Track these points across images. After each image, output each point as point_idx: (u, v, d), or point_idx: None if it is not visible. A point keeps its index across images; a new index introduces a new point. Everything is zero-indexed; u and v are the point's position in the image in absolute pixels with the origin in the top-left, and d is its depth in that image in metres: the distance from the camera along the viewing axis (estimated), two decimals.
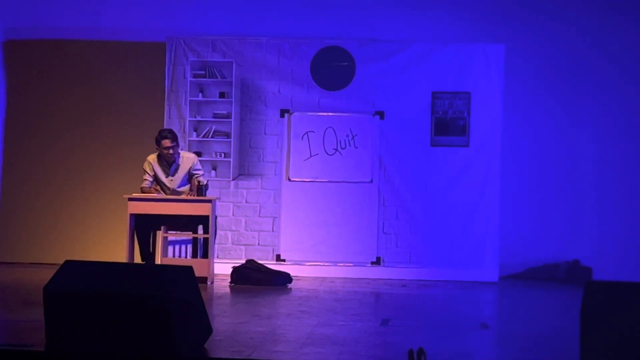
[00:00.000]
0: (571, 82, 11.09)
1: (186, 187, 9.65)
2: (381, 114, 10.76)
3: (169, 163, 9.65)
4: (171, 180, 9.64)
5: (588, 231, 10.99)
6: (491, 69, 10.69)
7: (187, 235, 9.78)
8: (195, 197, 9.44)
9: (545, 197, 11.11)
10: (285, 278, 9.74)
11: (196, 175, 9.60)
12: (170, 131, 9.68)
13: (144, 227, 9.48)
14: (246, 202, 10.81)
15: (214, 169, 10.78)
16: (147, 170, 9.66)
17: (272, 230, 10.79)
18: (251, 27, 11.09)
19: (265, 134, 10.87)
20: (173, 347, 5.28)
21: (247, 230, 10.80)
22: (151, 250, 9.64)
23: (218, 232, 10.10)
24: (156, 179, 9.66)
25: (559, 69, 11.09)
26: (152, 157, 9.73)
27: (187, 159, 9.69)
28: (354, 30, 11.01)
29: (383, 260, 10.70)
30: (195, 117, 10.80)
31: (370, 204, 10.72)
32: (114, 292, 5.41)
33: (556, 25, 11.06)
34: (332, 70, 10.82)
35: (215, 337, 6.00)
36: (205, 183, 9.53)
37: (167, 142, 9.51)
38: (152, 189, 9.60)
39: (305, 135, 10.80)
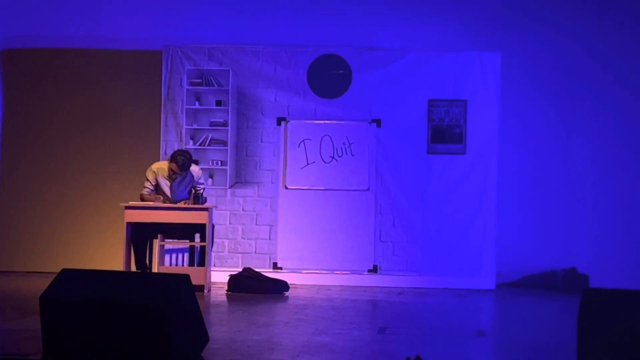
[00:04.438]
0: (567, 89, 11.11)
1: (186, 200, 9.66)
2: (378, 122, 10.77)
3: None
4: (174, 191, 9.64)
5: (585, 239, 11.00)
6: (487, 77, 10.70)
7: (184, 244, 9.77)
8: (192, 206, 9.43)
9: (542, 205, 11.12)
10: (282, 286, 9.74)
11: (197, 189, 9.58)
12: (184, 159, 9.47)
13: (141, 236, 9.48)
14: (243, 210, 10.81)
15: (211, 177, 10.77)
16: (150, 179, 9.65)
17: (269, 239, 10.79)
18: (247, 35, 11.11)
19: (261, 142, 10.88)
20: (170, 355, 5.27)
21: (244, 239, 10.80)
22: (148, 259, 9.62)
23: (215, 240, 10.10)
24: (157, 188, 9.66)
25: (555, 77, 11.11)
26: (157, 166, 9.71)
27: (192, 172, 9.69)
28: (350, 38, 11.03)
29: (380, 268, 10.70)
30: (191, 125, 10.80)
31: (367, 212, 10.72)
32: (111, 300, 5.40)
33: (552, 34, 11.08)
34: (328, 78, 10.83)
35: (213, 346, 5.99)
36: (201, 192, 9.52)
37: (174, 167, 9.49)
38: (152, 197, 9.59)
39: (302, 143, 10.81)
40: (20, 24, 11.28)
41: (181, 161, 9.46)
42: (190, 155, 9.67)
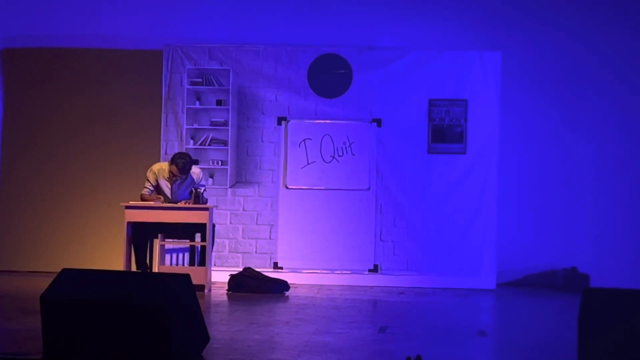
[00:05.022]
0: (568, 89, 11.11)
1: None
2: (378, 122, 10.77)
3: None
4: (174, 192, 9.63)
5: (586, 238, 11.00)
6: (488, 77, 10.70)
7: (185, 244, 9.77)
8: (193, 205, 9.43)
9: (543, 205, 11.11)
10: (283, 286, 9.74)
11: (198, 189, 9.55)
12: (185, 162, 9.44)
13: (142, 236, 9.47)
14: (243, 209, 10.81)
15: (211, 176, 10.77)
16: (150, 179, 9.64)
17: (270, 238, 10.79)
18: (248, 35, 11.10)
19: (262, 141, 10.87)
20: (170, 355, 5.27)
21: (245, 238, 10.80)
22: (148, 258, 9.62)
23: (215, 240, 10.09)
24: (158, 189, 9.65)
25: (556, 76, 11.11)
26: (158, 167, 9.69)
27: (192, 174, 9.66)
28: (351, 37, 11.02)
29: (380, 268, 10.70)
30: (192, 125, 10.80)
31: (367, 212, 10.72)
32: (111, 300, 5.40)
33: (553, 33, 11.08)
34: (329, 77, 10.83)
35: (213, 345, 5.99)
36: (202, 192, 9.51)
37: (175, 170, 9.47)
38: (152, 197, 9.58)
39: (302, 142, 10.81)
40: (20, 23, 11.28)
41: (181, 164, 9.44)
42: (191, 158, 9.65)
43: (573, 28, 11.08)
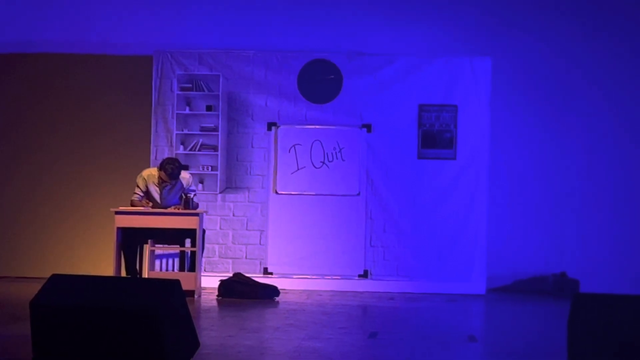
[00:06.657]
0: (557, 95, 11.13)
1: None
2: (368, 127, 10.78)
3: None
4: (164, 198, 9.61)
5: (575, 244, 11.02)
6: (478, 82, 10.72)
7: (175, 249, 9.76)
8: (183, 211, 9.42)
9: (533, 210, 11.13)
10: (273, 291, 9.73)
11: (189, 195, 9.54)
12: (173, 168, 9.42)
13: (131, 241, 9.45)
14: (233, 215, 10.80)
15: (201, 182, 10.76)
16: (140, 185, 9.61)
17: (260, 244, 10.78)
18: (238, 40, 11.10)
19: (252, 147, 10.87)
20: None
21: (235, 244, 10.79)
22: (138, 264, 9.59)
23: (205, 245, 10.08)
24: (148, 195, 9.62)
25: (545, 82, 11.13)
26: (147, 173, 9.66)
27: (182, 179, 9.64)
28: (341, 43, 11.03)
29: (371, 273, 10.70)
30: (182, 131, 10.79)
31: (357, 217, 10.72)
32: (101, 306, 5.39)
33: (542, 39, 11.11)
34: (319, 83, 10.83)
35: (203, 351, 5.98)
36: (192, 197, 9.50)
37: (164, 176, 9.45)
38: (142, 202, 9.55)
39: (293, 148, 10.81)
40: (8, 28, 11.24)
41: (170, 170, 9.42)
42: (180, 163, 9.63)
43: (563, 34, 11.11)
